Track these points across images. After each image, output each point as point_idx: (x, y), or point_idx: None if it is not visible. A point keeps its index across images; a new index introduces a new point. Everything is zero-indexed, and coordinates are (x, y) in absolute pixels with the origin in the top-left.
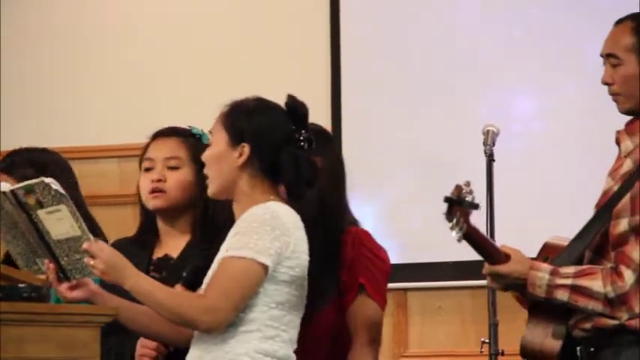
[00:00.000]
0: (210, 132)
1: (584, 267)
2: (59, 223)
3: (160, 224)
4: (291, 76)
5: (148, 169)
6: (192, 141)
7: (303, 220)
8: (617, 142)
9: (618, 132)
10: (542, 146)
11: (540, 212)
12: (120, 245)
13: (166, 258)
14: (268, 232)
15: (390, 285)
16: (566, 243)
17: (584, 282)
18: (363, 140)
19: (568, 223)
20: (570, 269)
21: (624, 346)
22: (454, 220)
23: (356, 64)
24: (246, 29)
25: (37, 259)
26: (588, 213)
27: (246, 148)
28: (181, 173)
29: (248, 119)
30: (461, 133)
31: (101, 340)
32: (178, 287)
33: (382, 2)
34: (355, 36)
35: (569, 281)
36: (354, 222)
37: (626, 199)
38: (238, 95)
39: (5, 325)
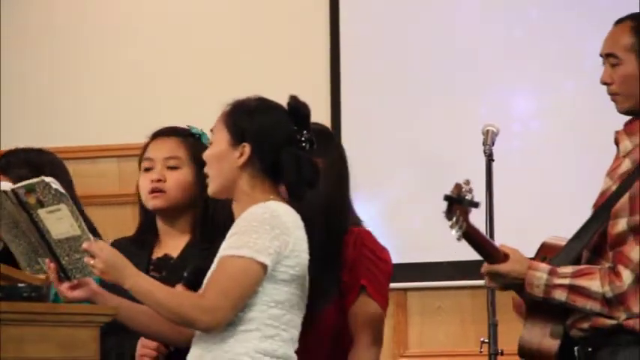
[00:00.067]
0: (212, 131)
1: (582, 267)
2: (59, 222)
3: (160, 224)
4: (290, 76)
5: (147, 169)
6: (192, 141)
7: (305, 219)
8: (616, 142)
9: (617, 132)
10: (541, 146)
11: (539, 212)
12: (119, 245)
13: (166, 258)
14: (268, 231)
15: (390, 285)
16: (564, 243)
17: (582, 282)
18: (363, 140)
19: (567, 222)
20: (568, 269)
21: (622, 346)
22: (454, 219)
23: (356, 64)
24: (246, 29)
25: (39, 258)
26: (587, 213)
27: (247, 148)
28: (181, 173)
29: (249, 119)
30: (460, 133)
31: (102, 339)
32: (179, 287)
33: (382, 2)
34: (355, 36)
35: (567, 281)
36: (358, 222)
37: (625, 198)
38: (238, 95)
39: (5, 325)
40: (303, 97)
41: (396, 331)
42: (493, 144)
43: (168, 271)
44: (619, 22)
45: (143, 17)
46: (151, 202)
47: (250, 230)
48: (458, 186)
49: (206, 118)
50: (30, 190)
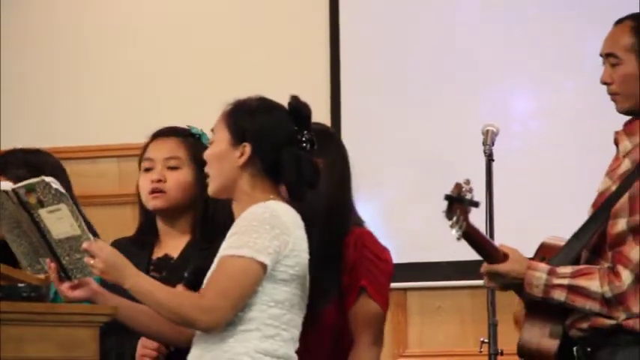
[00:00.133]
0: (212, 130)
1: (582, 267)
2: (59, 222)
3: (160, 224)
4: (290, 76)
5: (147, 170)
6: (192, 141)
7: (307, 219)
8: (616, 143)
9: (617, 132)
10: (541, 146)
11: (539, 212)
12: (119, 245)
13: (166, 258)
14: (267, 231)
15: (390, 285)
16: (562, 243)
17: (581, 282)
18: (363, 140)
19: (567, 222)
20: (567, 269)
21: (621, 346)
22: (454, 219)
23: (355, 64)
24: (246, 29)
25: (40, 258)
26: (587, 213)
27: (247, 148)
28: (181, 173)
29: (250, 119)
30: (460, 133)
31: (102, 339)
32: (180, 287)
33: (382, 2)
34: (355, 36)
35: (566, 281)
36: (360, 222)
37: (625, 198)
38: (238, 95)
39: (5, 325)
40: (303, 97)
41: (396, 330)
42: (493, 144)
43: (168, 272)
44: (619, 22)
45: (143, 17)
46: (151, 203)
47: (250, 230)
48: (458, 185)
49: (206, 118)
50: (30, 189)
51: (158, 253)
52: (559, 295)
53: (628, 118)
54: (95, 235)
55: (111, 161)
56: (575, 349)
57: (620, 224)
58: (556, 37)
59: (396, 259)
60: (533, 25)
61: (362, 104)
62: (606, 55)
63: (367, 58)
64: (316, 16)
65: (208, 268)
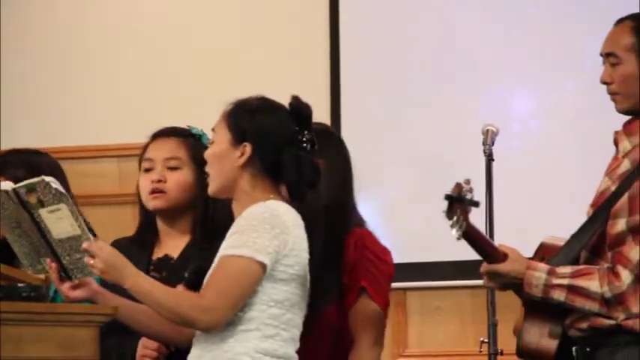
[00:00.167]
0: (213, 130)
1: (581, 267)
2: (60, 222)
3: (160, 224)
4: (290, 76)
5: (147, 170)
6: (192, 141)
7: (307, 219)
8: (615, 143)
9: (616, 132)
10: (541, 146)
11: (539, 212)
12: (119, 245)
13: (166, 258)
14: (267, 231)
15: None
16: (562, 243)
17: (580, 282)
18: (363, 140)
19: (567, 222)
20: (567, 269)
21: (620, 346)
22: (454, 218)
23: (355, 64)
24: (246, 29)
25: (41, 258)
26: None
27: (247, 148)
28: (181, 174)
29: (251, 119)
30: (460, 133)
31: (102, 340)
32: (180, 288)
33: (382, 2)
34: (355, 36)
35: (565, 281)
36: (361, 223)
37: (624, 199)
38: (238, 95)
39: (4, 325)
40: (303, 97)
41: (396, 330)
42: (493, 144)
43: (168, 272)
44: (619, 21)
45: (143, 17)
46: (152, 203)
47: (250, 229)
48: (458, 185)
49: (206, 118)
50: (31, 189)
51: (158, 254)
52: (558, 295)
53: (628, 118)
54: (93, 235)
55: (111, 161)
56: (574, 349)
57: (620, 224)
58: (556, 37)
59: (396, 259)
60: (533, 25)
61: (362, 104)
62: (606, 55)
63: (367, 58)
64: (316, 16)
65: (208, 268)
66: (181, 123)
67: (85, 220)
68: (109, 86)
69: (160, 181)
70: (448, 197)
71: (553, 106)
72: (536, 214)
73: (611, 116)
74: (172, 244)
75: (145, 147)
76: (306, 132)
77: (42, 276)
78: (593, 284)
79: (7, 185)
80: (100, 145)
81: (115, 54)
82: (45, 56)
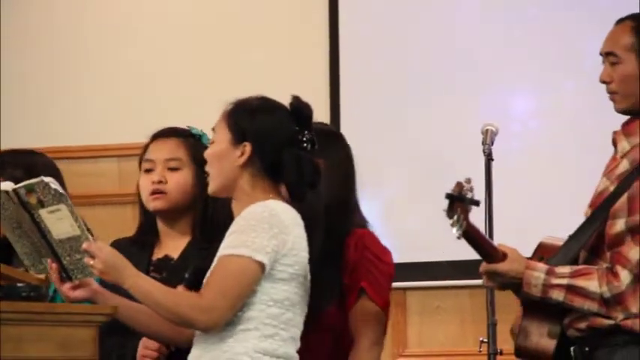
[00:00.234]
0: (213, 130)
1: (580, 267)
2: (60, 222)
3: (161, 225)
4: (290, 76)
5: (148, 170)
6: (192, 141)
7: (307, 219)
8: (614, 143)
9: (615, 133)
10: (540, 145)
11: (539, 211)
12: (119, 245)
13: (166, 258)
14: (266, 230)
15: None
16: (560, 243)
17: (579, 282)
18: (363, 140)
19: (566, 222)
20: (566, 269)
21: (619, 346)
22: (455, 217)
23: (355, 64)
24: (246, 29)
25: (43, 258)
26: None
27: (247, 148)
28: (182, 175)
29: (251, 118)
30: (460, 133)
31: (103, 340)
32: (180, 288)
33: (382, 2)
34: (355, 36)
35: (564, 281)
36: (363, 223)
37: (624, 199)
38: (238, 95)
39: (4, 325)
40: (302, 97)
41: (395, 330)
42: (492, 143)
43: (168, 272)
44: (620, 21)
45: (143, 17)
46: (152, 204)
47: (249, 229)
48: (459, 184)
49: (206, 118)
50: (30, 190)
51: (158, 254)
52: (557, 295)
53: (627, 118)
54: (91, 235)
55: (111, 161)
56: (572, 349)
57: (619, 224)
58: (556, 37)
59: (396, 258)
60: (533, 25)
61: (362, 104)
62: (606, 54)
63: (367, 58)
64: (316, 16)
65: (208, 268)
66: (181, 123)
67: (82, 221)
68: (109, 86)
69: (160, 182)
70: (449, 196)
71: (553, 106)
72: (535, 214)
73: (611, 116)
74: (172, 244)
75: (146, 147)
76: (306, 132)
77: (41, 276)
78: (592, 284)
79: (8, 186)
80: (100, 145)
81: (115, 54)
82: (45, 56)
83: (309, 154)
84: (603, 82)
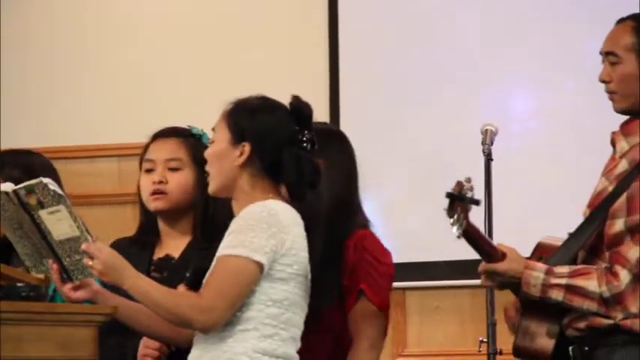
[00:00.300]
0: (213, 129)
1: (579, 267)
2: (59, 223)
3: (161, 225)
4: (290, 76)
5: (148, 171)
6: (193, 141)
7: (307, 219)
8: (612, 143)
9: (614, 133)
10: (540, 145)
11: (538, 211)
12: (120, 245)
13: (167, 258)
14: (264, 230)
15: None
16: (559, 243)
17: (579, 282)
18: (363, 140)
19: (566, 222)
20: (565, 269)
21: (619, 346)
22: (455, 217)
23: (355, 63)
24: (245, 29)
25: (44, 259)
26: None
27: (247, 147)
28: (182, 175)
29: (250, 118)
30: (460, 133)
31: (104, 339)
32: (181, 287)
33: (382, 2)
34: (354, 36)
35: (564, 281)
36: (365, 223)
37: (623, 199)
38: (238, 95)
39: (4, 325)
40: (302, 98)
41: (395, 330)
42: (492, 143)
43: (169, 272)
44: (621, 21)
45: (143, 17)
46: (153, 204)
47: (247, 229)
48: (459, 184)
49: (206, 118)
50: (30, 191)
51: (159, 254)
52: (557, 295)
53: (626, 118)
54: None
55: (111, 161)
56: (571, 348)
57: (618, 224)
58: (556, 37)
59: (396, 258)
60: (533, 25)
61: (362, 104)
62: (606, 54)
63: (367, 58)
64: (316, 16)
65: (209, 267)
66: (181, 123)
67: (81, 221)
68: (109, 86)
69: (161, 182)
70: (449, 195)
71: (553, 106)
72: (535, 214)
73: (611, 116)
74: (173, 244)
75: (146, 147)
76: (306, 132)
77: (41, 275)
78: (591, 284)
79: (8, 187)
80: (99, 145)
81: (115, 54)
82: (45, 56)
83: (309, 154)
84: (603, 81)
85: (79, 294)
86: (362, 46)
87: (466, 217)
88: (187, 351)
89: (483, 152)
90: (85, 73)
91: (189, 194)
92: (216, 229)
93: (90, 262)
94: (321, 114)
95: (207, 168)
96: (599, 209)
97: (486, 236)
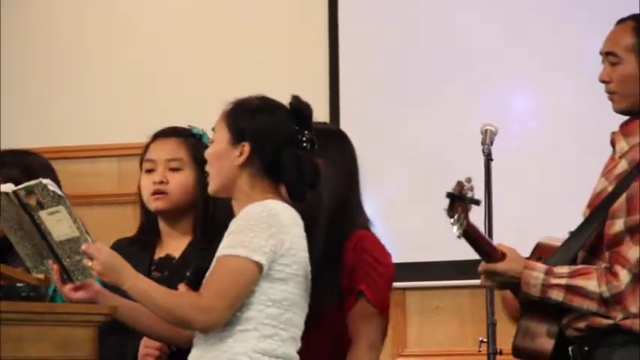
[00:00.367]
0: (214, 129)
1: (579, 267)
2: (59, 224)
3: (162, 225)
4: (290, 76)
5: (149, 171)
6: (193, 141)
7: (307, 219)
8: (612, 143)
9: (613, 133)
10: (540, 145)
11: (538, 211)
12: (120, 246)
13: (168, 258)
14: (264, 230)
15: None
16: (558, 243)
17: (579, 282)
18: (363, 140)
19: (566, 222)
20: (565, 269)
21: (618, 346)
22: (455, 216)
23: (355, 63)
24: (245, 29)
25: (44, 260)
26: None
27: (246, 147)
28: (183, 175)
29: (250, 118)
30: (460, 133)
31: (104, 339)
32: (182, 287)
33: (382, 2)
34: (354, 36)
35: (563, 281)
36: (365, 224)
37: (623, 199)
38: (238, 95)
39: (4, 325)
40: (302, 97)
41: (395, 330)
42: (492, 143)
43: (170, 271)
44: (621, 21)
45: (143, 17)
46: (154, 204)
47: (247, 229)
48: (460, 183)
49: (206, 118)
50: (30, 191)
51: (160, 253)
52: (557, 295)
53: (626, 118)
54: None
55: (111, 161)
56: (570, 348)
57: (618, 224)
58: (556, 37)
59: (395, 258)
60: (533, 25)
61: (362, 104)
62: (606, 54)
63: (367, 58)
64: (316, 16)
65: (209, 267)
66: (182, 123)
67: (81, 222)
68: (109, 86)
69: (161, 182)
70: (450, 195)
71: (553, 106)
72: (535, 214)
73: (611, 116)
74: (174, 244)
75: (146, 147)
76: (306, 132)
77: (41, 276)
78: (591, 284)
79: (8, 188)
80: (99, 145)
81: (115, 54)
82: (45, 56)
83: (309, 154)
84: (603, 81)
85: (80, 294)
86: (362, 46)
87: (466, 217)
88: (188, 351)
89: (483, 152)
90: (85, 73)
91: (189, 194)
92: (217, 229)
93: (89, 263)
94: (321, 114)
95: (207, 168)
96: (599, 209)
97: (486, 236)
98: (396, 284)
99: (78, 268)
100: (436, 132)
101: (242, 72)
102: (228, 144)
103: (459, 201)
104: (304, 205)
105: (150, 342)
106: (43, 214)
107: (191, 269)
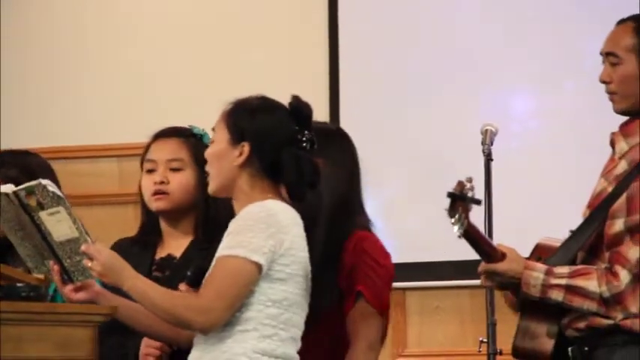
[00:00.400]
0: (213, 129)
1: (579, 267)
2: (59, 224)
3: (163, 225)
4: (290, 76)
5: (150, 171)
6: (194, 141)
7: (307, 219)
8: (612, 144)
9: (613, 133)
10: (540, 146)
11: (538, 211)
12: (121, 246)
13: (169, 258)
14: (263, 230)
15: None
16: (558, 244)
17: (579, 282)
18: (362, 140)
19: (566, 222)
20: (565, 269)
21: (619, 346)
22: (456, 216)
23: (355, 64)
24: (245, 29)
25: (45, 260)
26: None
27: (246, 147)
28: (184, 175)
29: (250, 118)
30: (460, 133)
31: (105, 339)
32: (183, 287)
33: (382, 2)
34: (354, 36)
35: (563, 281)
36: (366, 224)
37: (622, 199)
38: (238, 95)
39: (4, 325)
40: (302, 98)
41: (395, 330)
42: (492, 143)
43: (171, 272)
44: (622, 21)
45: (143, 17)
46: (155, 204)
47: (246, 229)
48: (460, 183)
49: (206, 118)
50: (30, 192)
51: (161, 253)
52: (557, 295)
53: (625, 118)
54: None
55: (111, 161)
56: (570, 349)
57: (618, 225)
58: (556, 37)
59: (395, 258)
60: (533, 25)
61: (362, 104)
62: (606, 54)
63: (367, 58)
64: (316, 16)
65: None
66: (182, 123)
67: (80, 222)
68: (109, 86)
69: (162, 182)
70: (451, 195)
71: (553, 106)
72: (535, 214)
73: (611, 116)
74: (175, 244)
75: (147, 147)
76: (306, 132)
77: (41, 275)
78: (591, 284)
79: (8, 188)
80: (100, 145)
81: (115, 54)
82: (45, 56)
83: (309, 154)
84: (603, 82)
85: (81, 295)
86: (362, 46)
87: (467, 217)
88: (188, 351)
89: (483, 152)
90: (85, 73)
91: (190, 194)
92: (218, 229)
93: (89, 264)
94: (321, 114)
95: (207, 168)
96: (599, 210)
97: (486, 236)
98: (396, 284)
99: (78, 268)
100: (436, 132)
101: (242, 72)
102: (228, 144)
103: (460, 201)
104: (304, 205)
105: (151, 342)
106: (43, 215)
107: (192, 269)
